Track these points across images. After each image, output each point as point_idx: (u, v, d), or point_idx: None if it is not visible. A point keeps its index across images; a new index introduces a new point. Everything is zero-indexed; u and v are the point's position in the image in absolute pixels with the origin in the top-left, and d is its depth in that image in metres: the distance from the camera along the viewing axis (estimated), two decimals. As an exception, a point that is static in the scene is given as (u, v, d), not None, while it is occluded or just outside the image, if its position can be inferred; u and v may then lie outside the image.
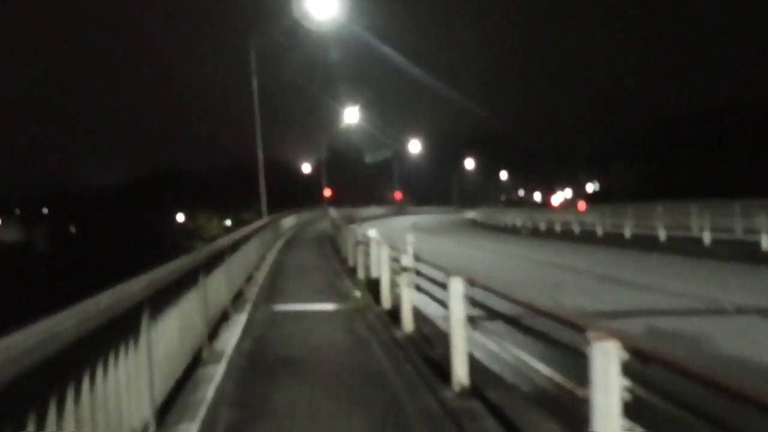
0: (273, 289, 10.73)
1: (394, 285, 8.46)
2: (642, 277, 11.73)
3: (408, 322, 6.55)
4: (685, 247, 17.02)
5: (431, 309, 6.71)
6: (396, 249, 8.40)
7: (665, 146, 50.68)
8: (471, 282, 4.37)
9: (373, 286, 9.66)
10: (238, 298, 9.15)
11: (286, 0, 19.82)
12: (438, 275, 6.02)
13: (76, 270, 46.11)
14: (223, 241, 7.80)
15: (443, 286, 5.27)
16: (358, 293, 9.87)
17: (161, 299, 4.01)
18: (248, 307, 8.74)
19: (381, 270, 8.44)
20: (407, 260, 6.53)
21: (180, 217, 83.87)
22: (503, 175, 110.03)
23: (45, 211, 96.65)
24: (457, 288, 4.35)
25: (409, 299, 6.55)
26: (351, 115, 44.27)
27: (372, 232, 13.25)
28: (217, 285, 6.98)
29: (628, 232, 20.99)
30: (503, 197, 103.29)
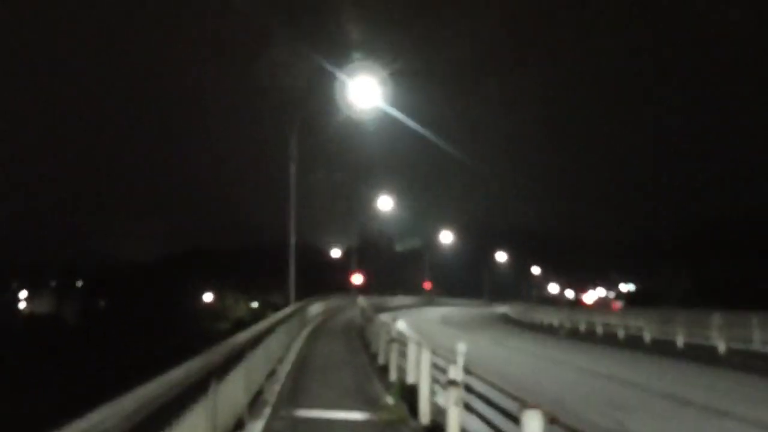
0: (296, 389, 9.66)
1: (433, 394, 7.37)
2: (715, 399, 10.28)
3: (455, 450, 5.44)
4: (748, 363, 15.37)
5: (474, 424, 5.60)
6: (437, 354, 7.37)
7: (713, 249, 48.78)
8: (553, 419, 3.37)
9: (408, 394, 8.54)
10: (257, 399, 8.13)
11: (328, 85, 19.83)
12: (495, 394, 4.98)
13: (101, 346, 45.34)
14: (245, 336, 6.91)
15: (508, 415, 4.23)
16: (390, 400, 8.74)
17: (151, 428, 3.10)
18: (267, 411, 7.70)
19: (420, 376, 7.37)
20: (456, 372, 5.51)
21: (208, 297, 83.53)
22: (535, 269, 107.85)
23: (80, 284, 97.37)
24: (534, 426, 3.34)
25: (457, 421, 5.47)
26: (384, 203, 44.07)
27: (403, 326, 12.22)
28: (233, 389, 6.03)
29: (680, 341, 19.34)
30: (535, 292, 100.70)
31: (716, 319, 18.47)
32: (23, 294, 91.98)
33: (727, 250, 45.68)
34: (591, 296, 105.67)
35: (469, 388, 5.48)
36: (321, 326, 26.14)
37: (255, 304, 77.20)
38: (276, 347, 11.55)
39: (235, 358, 6.08)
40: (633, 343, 21.36)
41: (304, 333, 20.87)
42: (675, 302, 40.80)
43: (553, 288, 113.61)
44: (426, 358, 7.25)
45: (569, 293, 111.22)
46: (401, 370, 10.02)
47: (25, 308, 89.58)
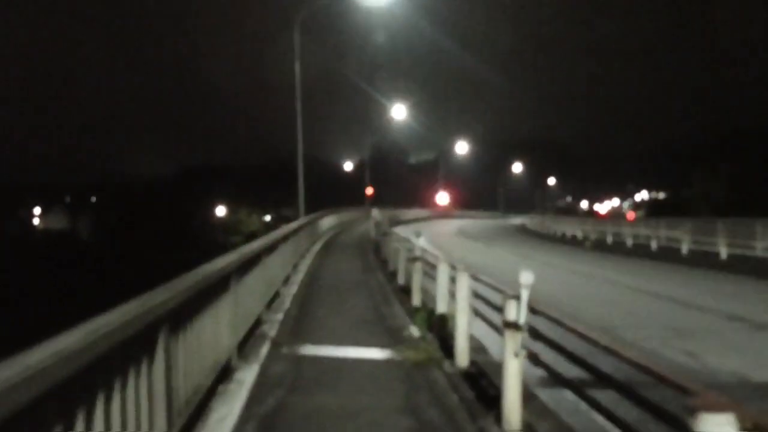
0: (301, 317, 8.25)
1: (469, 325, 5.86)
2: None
3: (514, 415, 3.94)
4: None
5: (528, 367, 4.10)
6: (479, 279, 5.78)
7: (743, 157, 46.38)
8: (756, 425, 1.76)
9: (437, 325, 7.07)
10: (252, 333, 6.70)
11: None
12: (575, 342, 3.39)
13: (112, 260, 45.20)
14: (230, 258, 5.32)
15: (630, 392, 2.65)
16: (415, 331, 7.30)
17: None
18: (264, 349, 6.26)
19: (457, 307, 5.83)
20: (516, 312, 3.91)
21: (221, 211, 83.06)
22: (551, 181, 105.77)
23: (93, 199, 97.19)
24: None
25: (518, 375, 3.93)
26: (398, 112, 41.73)
27: (425, 243, 10.71)
28: (212, 329, 4.50)
29: (724, 252, 17.79)
30: (550, 203, 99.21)
31: (760, 227, 16.85)
32: (37, 210, 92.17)
33: (759, 159, 43.32)
34: (605, 206, 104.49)
35: (537, 335, 3.90)
36: (333, 241, 24.87)
37: (268, 218, 76.75)
38: (281, 266, 10.12)
39: (216, 286, 4.53)
40: (669, 256, 19.87)
41: (315, 248, 19.57)
42: (706, 212, 38.97)
43: (569, 199, 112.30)
44: (464, 284, 5.67)
45: (584, 204, 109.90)
46: (426, 293, 8.56)
47: (38, 224, 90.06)
